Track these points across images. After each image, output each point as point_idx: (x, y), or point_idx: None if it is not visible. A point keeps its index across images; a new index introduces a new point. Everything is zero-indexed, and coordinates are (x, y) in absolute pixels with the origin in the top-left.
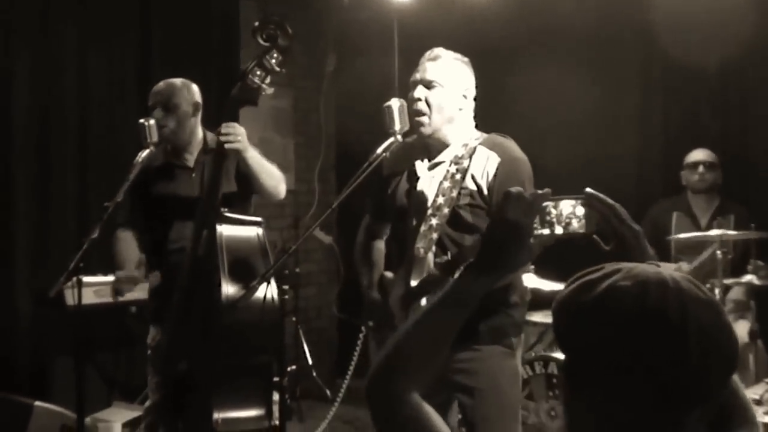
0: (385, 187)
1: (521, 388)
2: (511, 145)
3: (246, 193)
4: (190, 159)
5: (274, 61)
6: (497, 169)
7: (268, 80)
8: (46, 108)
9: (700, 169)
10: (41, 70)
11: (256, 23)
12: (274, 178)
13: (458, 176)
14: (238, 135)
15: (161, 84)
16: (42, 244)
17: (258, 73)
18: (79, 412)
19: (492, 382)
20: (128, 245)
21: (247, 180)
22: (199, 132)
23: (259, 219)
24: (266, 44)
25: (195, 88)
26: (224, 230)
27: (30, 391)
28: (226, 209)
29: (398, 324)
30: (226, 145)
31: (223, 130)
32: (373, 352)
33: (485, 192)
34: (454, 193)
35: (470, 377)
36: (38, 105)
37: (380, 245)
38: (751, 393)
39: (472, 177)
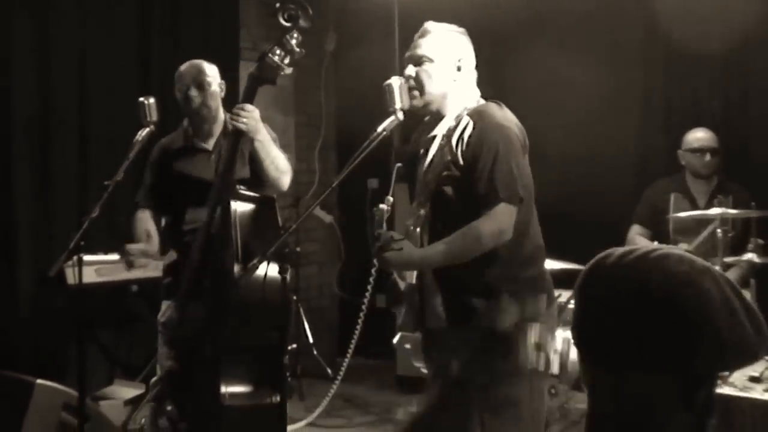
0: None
1: (531, 378)
2: (493, 111)
3: (258, 178)
4: (211, 142)
5: (294, 41)
6: (470, 135)
7: (287, 60)
8: (46, 87)
9: (707, 157)
10: (41, 50)
11: (278, 4)
12: (278, 168)
13: (445, 149)
14: (244, 116)
15: (188, 65)
16: (43, 223)
17: (278, 52)
18: (80, 390)
19: (498, 377)
20: (147, 224)
21: (256, 165)
22: (221, 114)
23: (272, 196)
24: (287, 24)
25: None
26: (238, 207)
27: (31, 370)
28: (241, 187)
29: (406, 303)
30: (232, 124)
31: (234, 110)
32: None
33: (461, 161)
34: (440, 168)
35: (478, 370)
36: (38, 84)
37: None
38: (750, 370)
39: (451, 148)
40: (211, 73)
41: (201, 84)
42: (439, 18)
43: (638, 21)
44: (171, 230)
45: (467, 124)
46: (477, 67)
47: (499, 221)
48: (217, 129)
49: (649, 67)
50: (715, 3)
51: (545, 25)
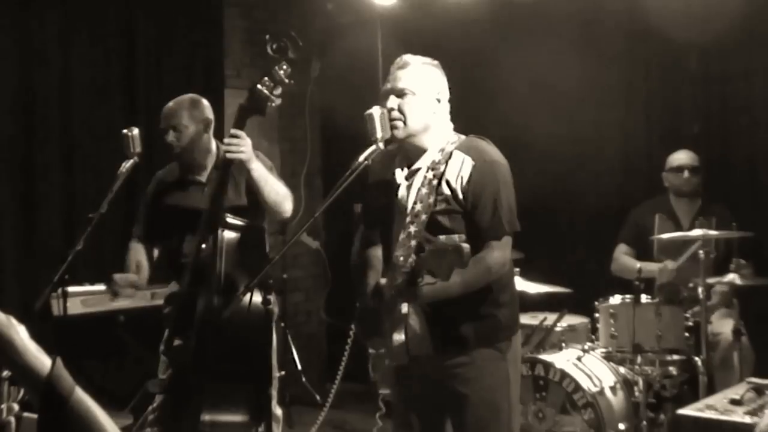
0: (372, 195)
1: (512, 392)
2: (487, 148)
3: (256, 207)
4: (204, 174)
5: (282, 72)
6: (471, 172)
7: (276, 91)
8: (30, 114)
9: (686, 174)
10: (25, 74)
11: (268, 36)
12: (278, 194)
13: (435, 182)
14: (241, 145)
15: (170, 104)
16: (27, 256)
17: (267, 83)
18: None
19: (482, 390)
20: (139, 255)
21: (254, 194)
22: (213, 147)
23: (262, 226)
24: (275, 55)
25: (205, 103)
26: (225, 235)
27: (17, 403)
28: (229, 215)
29: (385, 331)
30: (227, 155)
31: (226, 140)
32: (372, 360)
33: (460, 196)
34: (431, 199)
35: (461, 384)
36: (22, 110)
37: (377, 252)
38: (732, 393)
39: (447, 182)
40: (190, 113)
41: (176, 127)
42: (422, 41)
43: (621, 25)
44: (168, 261)
45: (463, 161)
46: (456, 85)
47: (504, 253)
48: (210, 161)
49: (632, 76)
50: (697, 4)
51: (525, 36)
